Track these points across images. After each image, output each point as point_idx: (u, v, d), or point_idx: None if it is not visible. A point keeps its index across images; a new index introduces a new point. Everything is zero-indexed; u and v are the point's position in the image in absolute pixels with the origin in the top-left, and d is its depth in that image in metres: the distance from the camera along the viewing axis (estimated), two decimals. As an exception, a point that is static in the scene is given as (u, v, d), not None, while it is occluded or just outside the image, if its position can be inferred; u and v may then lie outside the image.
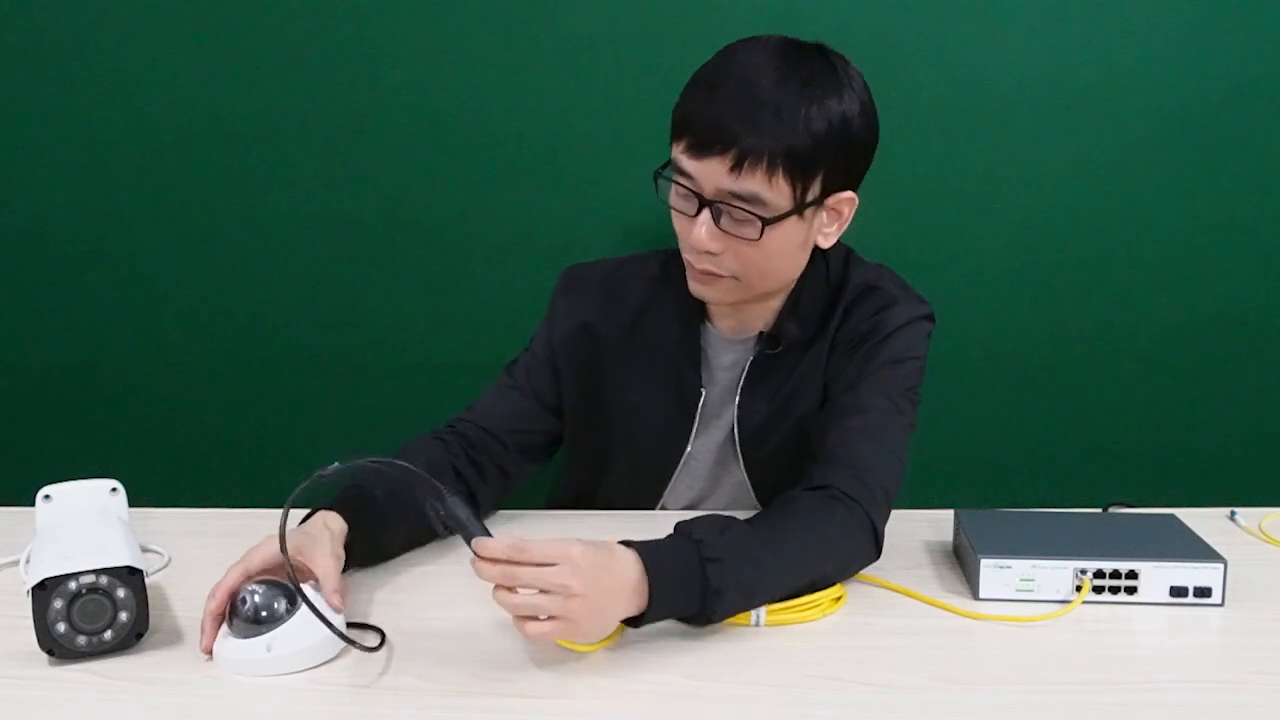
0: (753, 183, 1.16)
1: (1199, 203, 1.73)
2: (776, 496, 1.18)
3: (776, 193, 1.17)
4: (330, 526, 1.15)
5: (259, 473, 1.86)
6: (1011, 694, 0.98)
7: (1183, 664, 1.04)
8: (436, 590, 1.20)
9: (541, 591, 0.97)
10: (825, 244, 1.29)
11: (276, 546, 1.08)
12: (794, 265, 1.29)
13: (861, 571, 1.20)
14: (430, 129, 1.74)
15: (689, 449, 1.37)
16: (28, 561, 1.21)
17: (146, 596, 1.06)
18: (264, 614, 1.03)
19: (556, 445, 1.44)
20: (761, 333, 1.34)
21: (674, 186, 1.23)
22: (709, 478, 1.40)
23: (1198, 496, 1.68)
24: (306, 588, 1.05)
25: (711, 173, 1.17)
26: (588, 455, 1.43)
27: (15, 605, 1.14)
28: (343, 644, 1.04)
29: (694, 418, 1.36)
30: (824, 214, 1.25)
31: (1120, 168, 1.72)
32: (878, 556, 1.19)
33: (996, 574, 1.15)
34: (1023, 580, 1.14)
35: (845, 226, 1.28)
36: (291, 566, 1.03)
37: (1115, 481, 1.80)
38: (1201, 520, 1.25)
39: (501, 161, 1.75)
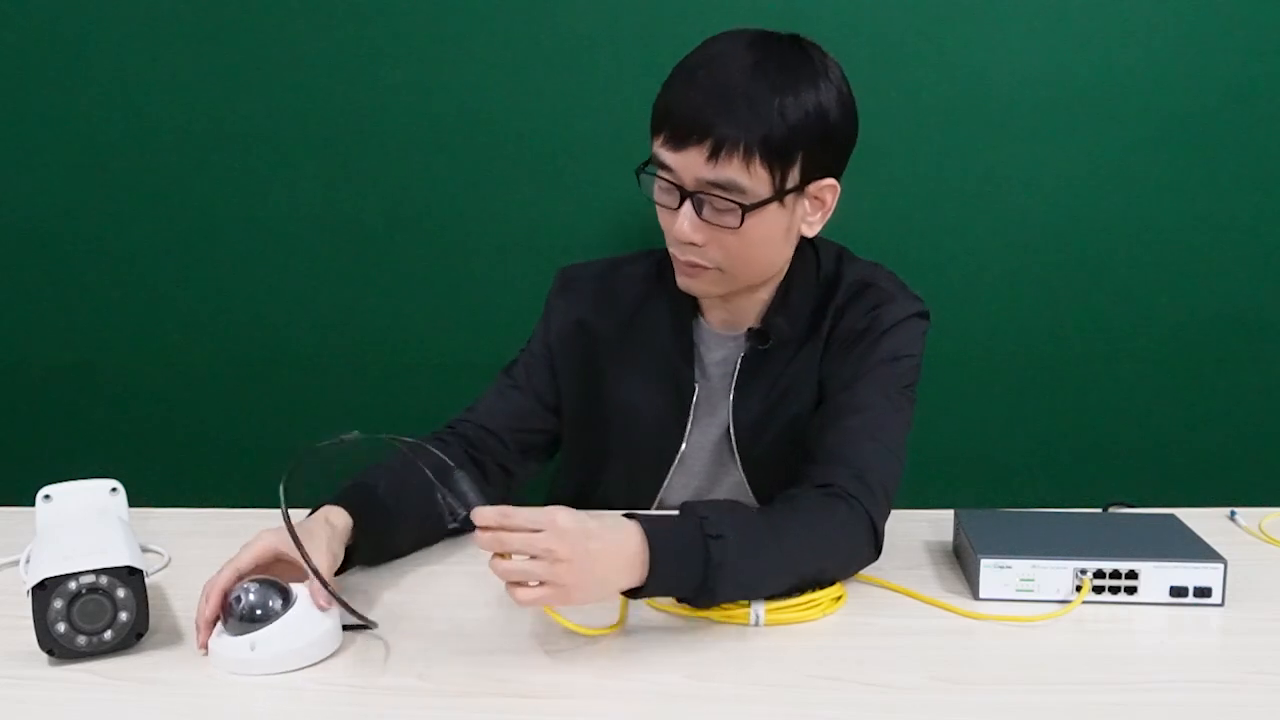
0: (730, 170, 1.18)
1: (1199, 203, 1.73)
2: (776, 496, 1.19)
3: (755, 180, 1.19)
4: (332, 522, 1.16)
5: (259, 473, 1.85)
6: (1011, 694, 0.98)
7: (1183, 664, 1.04)
8: (437, 590, 1.20)
9: (532, 558, 0.99)
10: (809, 233, 1.29)
11: (269, 543, 1.09)
12: (778, 255, 1.29)
13: (861, 571, 1.20)
14: (430, 129, 1.74)
15: (684, 446, 1.38)
16: (28, 561, 1.21)
17: (146, 596, 1.06)
18: (258, 612, 1.03)
19: (557, 444, 1.45)
20: (751, 329, 1.34)
21: (656, 181, 1.24)
22: (706, 476, 1.40)
23: (1198, 496, 1.68)
24: (299, 588, 1.06)
25: (690, 163, 1.19)
26: (585, 454, 1.43)
27: (15, 605, 1.14)
28: (331, 646, 1.05)
29: (688, 413, 1.36)
30: (806, 202, 1.26)
31: (1120, 168, 1.72)
32: (878, 556, 1.19)
33: (996, 574, 1.15)
34: (1023, 580, 1.14)
35: (829, 215, 1.29)
36: (298, 539, 1.05)
37: (1115, 481, 1.80)
38: (1201, 520, 1.25)
39: (501, 161, 1.75)
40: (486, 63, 1.72)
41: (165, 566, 1.28)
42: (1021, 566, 1.14)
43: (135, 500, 1.34)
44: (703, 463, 1.39)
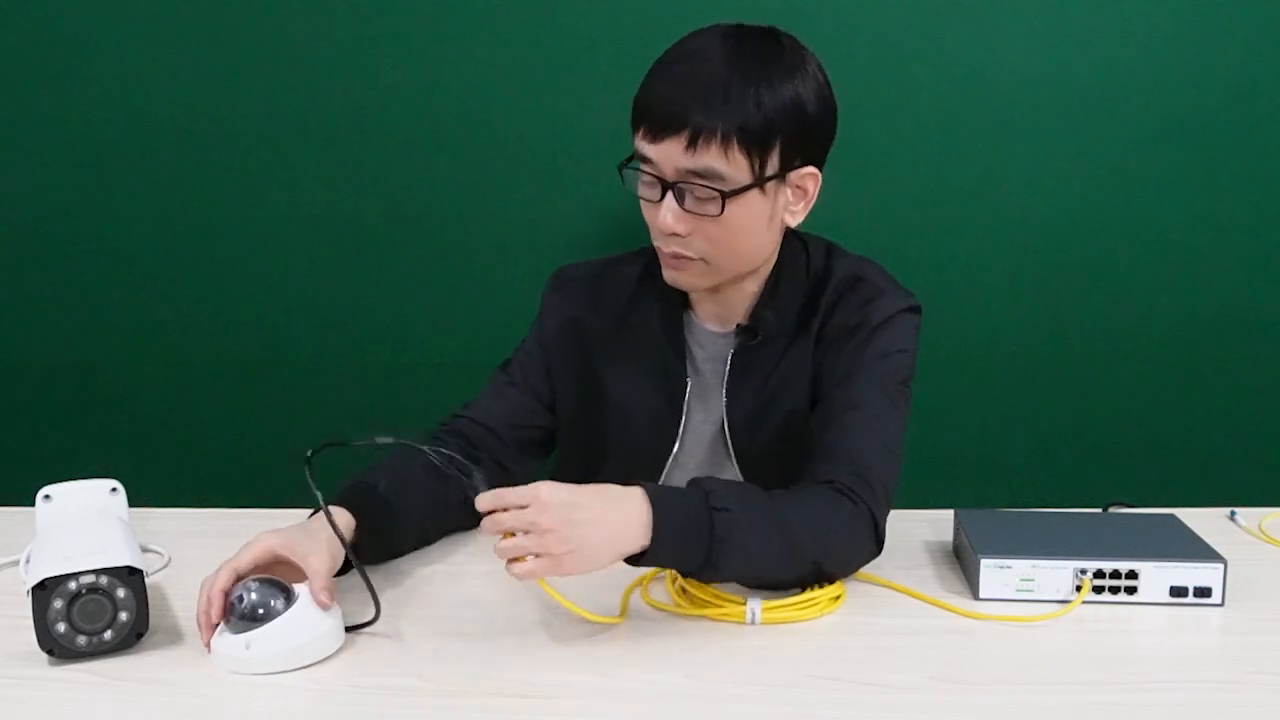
0: (708, 158, 1.19)
1: (1199, 203, 1.73)
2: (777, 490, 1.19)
3: (734, 166, 1.20)
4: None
5: (259, 473, 1.86)
6: (1011, 694, 0.98)
7: (1183, 664, 1.04)
8: (438, 590, 1.20)
9: (525, 535, 1.03)
10: (793, 222, 1.30)
11: (268, 545, 1.10)
12: (762, 244, 1.30)
13: (862, 570, 1.21)
14: (430, 129, 1.74)
15: (679, 442, 1.38)
16: (28, 561, 1.21)
17: (146, 596, 1.06)
18: (260, 611, 1.03)
19: (554, 441, 1.45)
20: (740, 324, 1.35)
21: (640, 176, 1.26)
22: (702, 473, 1.40)
23: (1198, 496, 1.68)
24: (299, 588, 1.06)
25: (669, 154, 1.20)
26: (581, 452, 1.43)
27: (15, 605, 1.14)
28: (330, 648, 1.05)
29: (681, 409, 1.37)
30: (788, 191, 1.27)
31: (1120, 168, 1.72)
32: (879, 552, 1.19)
33: (996, 574, 1.15)
34: (1023, 580, 1.15)
35: (812, 204, 1.30)
36: (335, 524, 1.12)
37: (1115, 481, 1.80)
38: (1201, 520, 1.26)
39: (501, 161, 1.75)
40: (486, 63, 1.72)
41: (165, 566, 1.28)
42: (1021, 566, 1.14)
43: (135, 500, 1.34)
44: (698, 459, 1.40)
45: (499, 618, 1.13)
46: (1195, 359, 1.78)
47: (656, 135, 1.21)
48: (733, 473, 1.38)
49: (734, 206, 1.21)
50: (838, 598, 1.15)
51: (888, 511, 1.20)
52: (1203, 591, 1.13)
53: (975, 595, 1.16)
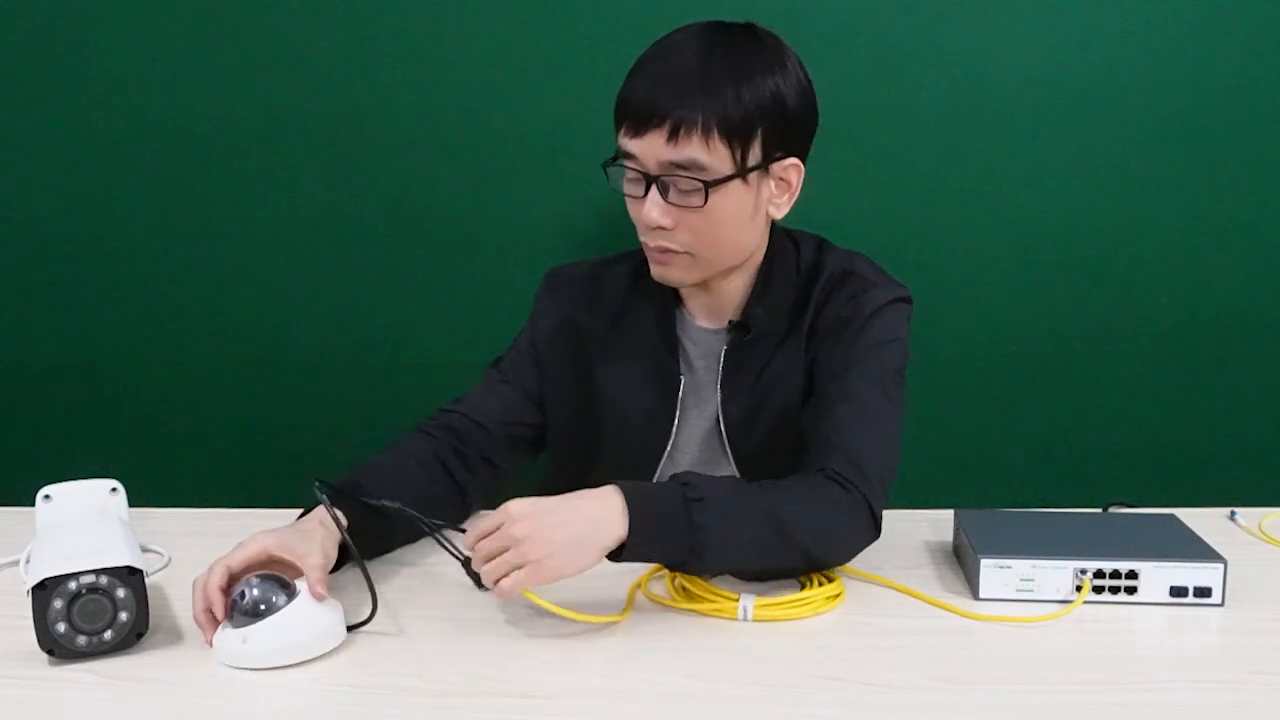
0: (690, 149, 1.20)
1: (1199, 203, 1.73)
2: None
3: (716, 157, 1.21)
4: (328, 524, 1.17)
5: (259, 473, 1.86)
6: (1011, 694, 0.98)
7: (1183, 664, 1.04)
8: (437, 590, 1.20)
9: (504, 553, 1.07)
10: (777, 214, 1.31)
11: (264, 545, 1.11)
12: (747, 236, 1.30)
13: (862, 570, 1.21)
14: (430, 129, 1.74)
15: (673, 439, 1.38)
16: (28, 561, 1.21)
17: (146, 596, 1.06)
18: (261, 607, 1.04)
19: (543, 439, 1.46)
20: (732, 321, 1.35)
21: (624, 173, 1.27)
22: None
23: (1198, 496, 1.68)
24: (299, 584, 1.07)
25: (652, 147, 1.22)
26: (576, 452, 1.44)
27: (15, 605, 1.14)
28: (328, 644, 1.05)
29: (675, 406, 1.37)
30: (771, 183, 1.28)
31: (1120, 168, 1.72)
32: (876, 536, 1.19)
33: (996, 574, 1.15)
34: (1023, 580, 1.15)
35: (795, 196, 1.31)
36: (338, 520, 1.15)
37: (1115, 481, 1.80)
38: (1201, 520, 1.26)
39: (501, 161, 1.75)
40: (486, 63, 1.72)
41: (165, 566, 1.28)
42: (1021, 566, 1.14)
43: (135, 500, 1.34)
44: (693, 457, 1.40)
45: (499, 617, 1.13)
46: (1195, 359, 1.78)
47: (638, 130, 1.22)
48: (728, 470, 1.38)
49: (717, 197, 1.22)
50: (835, 597, 1.15)
51: (884, 496, 1.20)
52: (1203, 591, 1.13)
53: (975, 595, 1.16)
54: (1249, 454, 1.80)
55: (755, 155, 1.23)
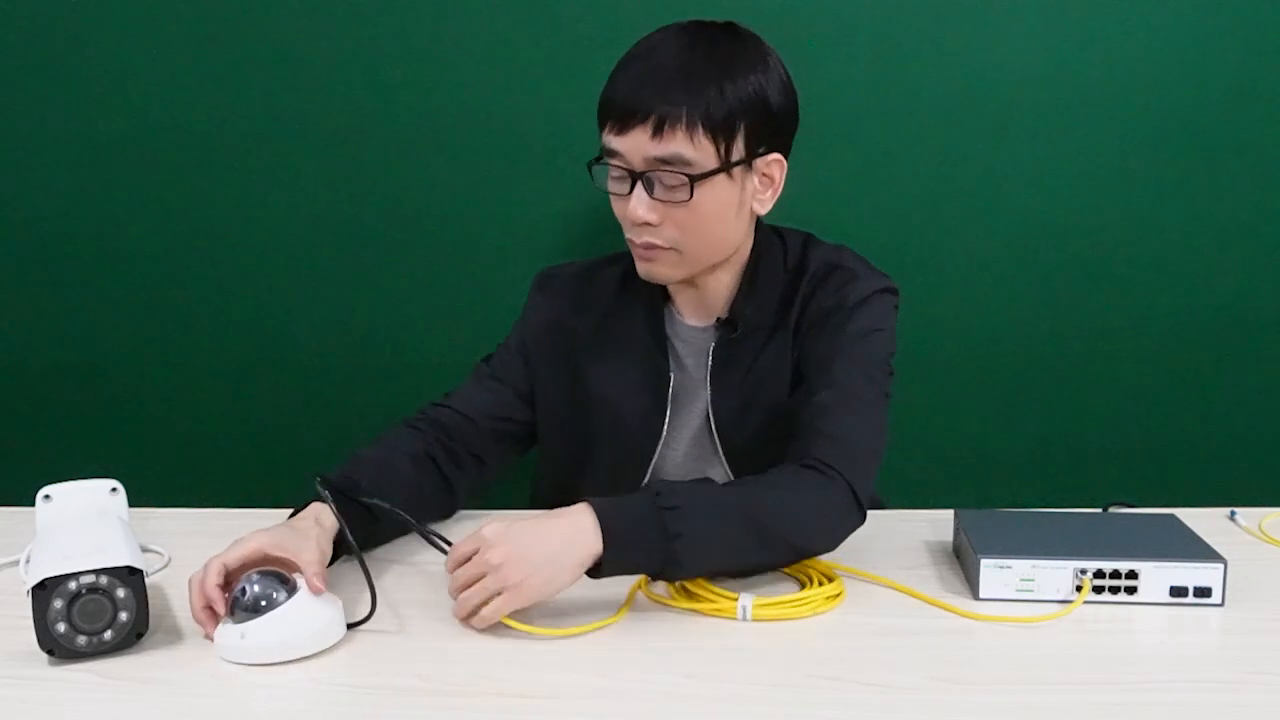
0: (674, 144, 1.21)
1: (1199, 203, 1.73)
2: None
3: (700, 151, 1.22)
4: (322, 523, 1.18)
5: (259, 473, 1.86)
6: (1011, 694, 0.98)
7: (1183, 664, 1.04)
8: (437, 590, 1.20)
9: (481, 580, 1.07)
10: (761, 210, 1.32)
11: (259, 544, 1.11)
12: (732, 231, 1.31)
13: (862, 570, 1.21)
14: (429, 129, 1.74)
15: (664, 437, 1.39)
16: (28, 561, 1.21)
17: (146, 596, 1.06)
18: (262, 603, 1.04)
19: (532, 437, 1.47)
20: (720, 318, 1.36)
21: (609, 172, 1.28)
22: (688, 470, 1.41)
23: (1198, 496, 1.68)
24: (299, 579, 1.07)
25: (636, 144, 1.23)
26: (566, 451, 1.44)
27: (15, 605, 1.14)
28: (326, 641, 1.05)
29: (665, 403, 1.37)
30: (755, 178, 1.29)
31: (1120, 168, 1.72)
32: (862, 517, 1.19)
33: (996, 574, 1.15)
34: (1023, 580, 1.14)
35: (779, 192, 1.32)
36: (339, 515, 1.15)
37: (1115, 481, 1.80)
38: (1201, 520, 1.26)
39: (500, 161, 1.75)
40: (486, 63, 1.72)
41: (165, 566, 1.28)
42: (1021, 566, 1.14)
43: (135, 500, 1.34)
44: (684, 455, 1.40)
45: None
46: (1195, 359, 1.78)
47: (623, 127, 1.23)
48: (719, 467, 1.38)
49: (702, 192, 1.23)
50: (835, 597, 1.15)
51: (869, 480, 1.21)
52: (1203, 591, 1.13)
53: (975, 595, 1.16)
54: (1249, 454, 1.80)
55: (739, 150, 1.24)
